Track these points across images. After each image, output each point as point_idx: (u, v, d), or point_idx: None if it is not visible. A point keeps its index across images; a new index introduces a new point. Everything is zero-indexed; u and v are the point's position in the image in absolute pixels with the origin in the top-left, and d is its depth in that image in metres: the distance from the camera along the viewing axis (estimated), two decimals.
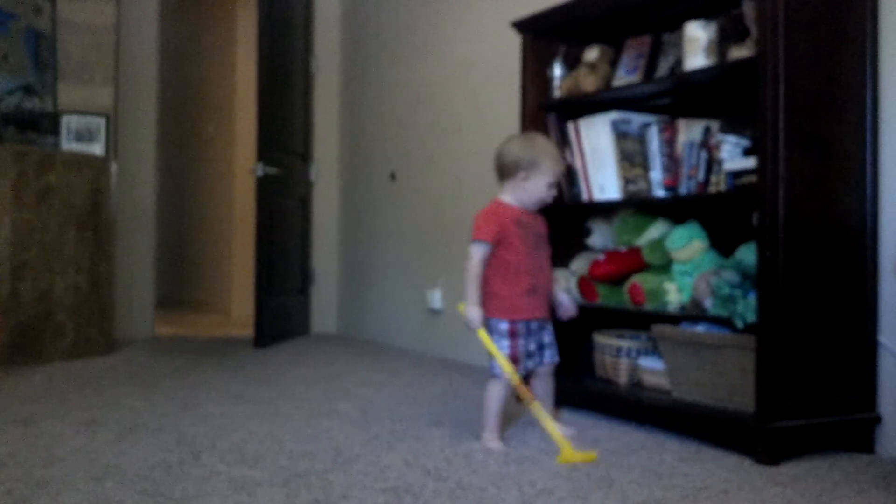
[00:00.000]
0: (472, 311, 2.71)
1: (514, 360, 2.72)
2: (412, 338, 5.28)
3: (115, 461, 2.47)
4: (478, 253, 2.73)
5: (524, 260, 2.74)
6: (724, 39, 2.92)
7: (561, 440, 2.58)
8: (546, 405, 2.82)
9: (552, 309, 2.88)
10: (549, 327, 2.84)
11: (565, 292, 2.97)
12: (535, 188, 2.76)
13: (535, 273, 2.76)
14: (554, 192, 2.81)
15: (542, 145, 2.81)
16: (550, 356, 2.83)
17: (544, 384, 2.85)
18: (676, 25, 3.11)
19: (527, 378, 2.79)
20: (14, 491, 2.17)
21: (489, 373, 2.76)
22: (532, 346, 2.77)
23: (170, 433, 2.85)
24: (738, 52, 2.80)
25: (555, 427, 2.64)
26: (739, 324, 2.67)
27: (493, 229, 2.72)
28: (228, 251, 7.82)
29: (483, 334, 2.72)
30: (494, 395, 2.74)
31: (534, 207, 2.80)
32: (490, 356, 2.73)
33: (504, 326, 2.73)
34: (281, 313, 5.63)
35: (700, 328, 2.88)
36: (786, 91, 2.53)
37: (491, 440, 2.72)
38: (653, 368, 3.10)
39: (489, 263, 2.74)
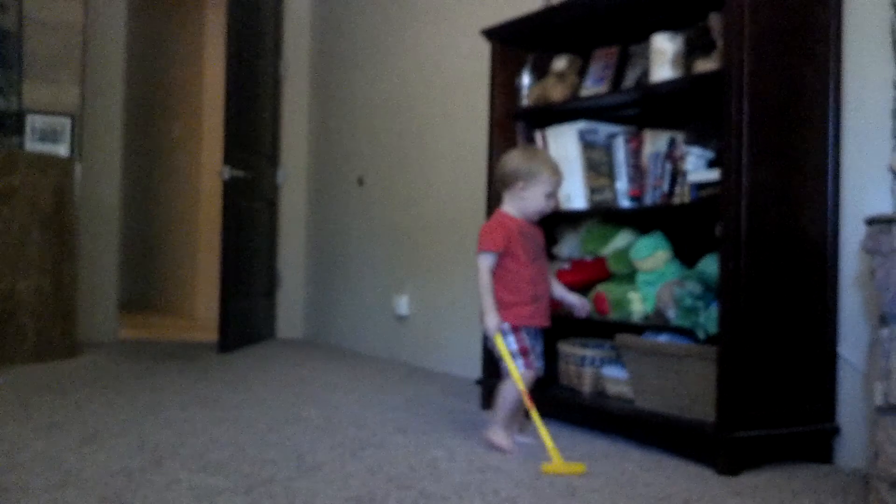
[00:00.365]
0: (489, 319, 2.75)
1: (523, 352, 2.77)
2: (379, 343, 5.28)
3: (77, 467, 2.45)
4: (485, 263, 2.78)
5: (526, 270, 2.79)
6: (691, 52, 2.95)
7: (554, 450, 2.59)
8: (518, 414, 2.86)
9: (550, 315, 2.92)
10: (541, 337, 2.88)
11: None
12: (533, 198, 2.80)
13: (536, 282, 2.81)
14: (552, 203, 2.85)
15: (540, 156, 2.87)
16: (542, 367, 2.88)
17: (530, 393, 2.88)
18: (644, 37, 3.14)
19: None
20: None
21: (505, 373, 2.80)
22: (539, 350, 2.85)
23: (132, 438, 2.83)
24: (705, 65, 2.83)
25: (549, 438, 2.64)
26: (701, 334, 2.70)
27: (500, 240, 2.77)
28: (194, 254, 7.78)
29: (500, 340, 2.76)
30: (510, 393, 2.78)
31: (534, 217, 2.85)
32: (502, 361, 2.78)
33: (507, 324, 2.77)
34: (246, 317, 5.60)
35: (663, 338, 2.91)
36: (750, 104, 2.56)
37: (498, 436, 2.78)
38: (616, 377, 3.12)
39: (493, 273, 2.78)
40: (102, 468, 2.45)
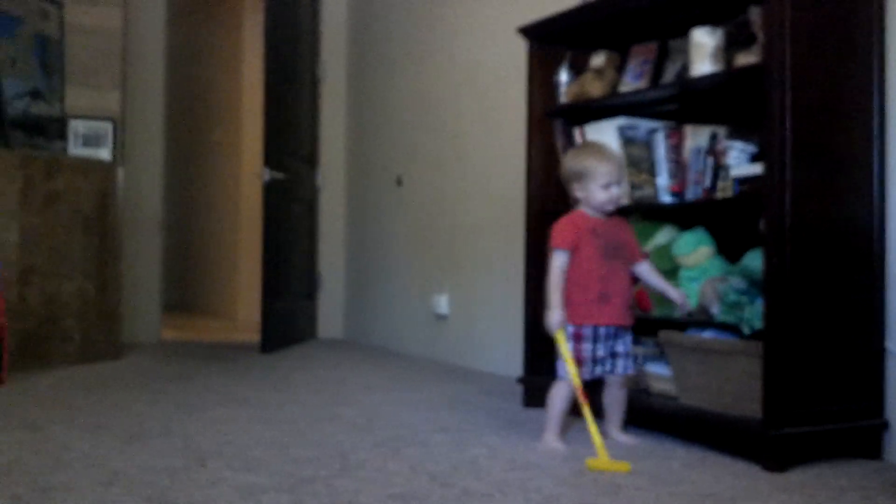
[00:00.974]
0: (552, 314, 2.75)
1: (578, 362, 2.75)
2: (419, 343, 5.28)
3: (122, 466, 2.47)
4: (557, 260, 2.78)
5: (596, 268, 2.77)
6: (731, 46, 2.91)
7: (601, 446, 2.59)
8: (614, 416, 2.87)
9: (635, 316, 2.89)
10: (627, 337, 2.83)
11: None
12: (591, 195, 2.79)
13: (606, 281, 2.77)
14: (615, 192, 2.78)
15: (589, 150, 2.87)
16: (623, 367, 2.83)
17: (612, 394, 2.87)
18: (683, 32, 3.10)
19: (591, 384, 2.81)
20: (20, 497, 2.17)
21: (555, 375, 2.81)
22: (601, 353, 2.79)
23: (176, 438, 2.86)
24: (745, 59, 2.80)
25: (598, 433, 2.63)
26: (746, 330, 2.67)
27: (570, 237, 2.78)
28: (235, 256, 7.84)
29: (560, 336, 2.75)
30: (558, 396, 2.79)
31: (605, 210, 2.81)
32: (559, 358, 2.78)
33: (570, 330, 2.77)
34: (287, 318, 5.64)
35: (707, 334, 2.88)
36: (793, 97, 2.52)
37: (552, 440, 2.78)
38: (660, 374, 3.09)
39: (566, 271, 2.79)
40: (147, 467, 2.47)
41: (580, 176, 2.79)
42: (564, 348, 2.75)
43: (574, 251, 2.77)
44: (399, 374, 4.44)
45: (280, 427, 3.06)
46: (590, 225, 2.80)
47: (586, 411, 2.67)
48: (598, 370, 2.81)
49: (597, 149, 2.88)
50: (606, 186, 2.77)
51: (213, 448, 2.71)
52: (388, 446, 2.77)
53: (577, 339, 2.77)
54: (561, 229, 2.80)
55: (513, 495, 2.22)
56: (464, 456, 2.64)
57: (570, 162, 2.85)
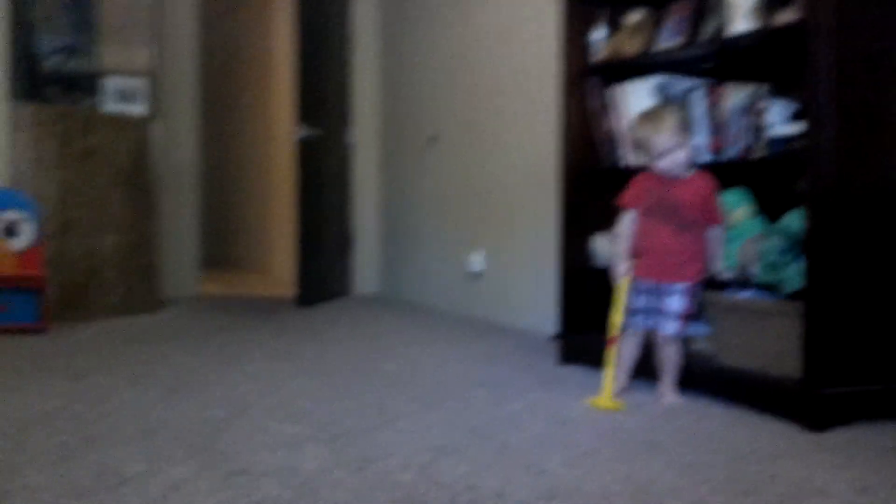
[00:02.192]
0: (616, 264, 2.92)
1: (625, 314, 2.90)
2: (454, 300, 5.30)
3: (164, 416, 2.52)
4: (623, 217, 2.94)
5: (644, 223, 2.89)
6: (769, 3, 2.86)
7: (608, 388, 2.77)
8: (663, 374, 2.90)
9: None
10: (675, 295, 2.85)
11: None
12: (651, 163, 2.86)
13: (652, 236, 2.87)
14: (668, 160, 2.80)
15: (646, 121, 2.89)
16: (662, 327, 2.86)
17: (659, 352, 2.91)
18: None
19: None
20: (66, 444, 2.22)
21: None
22: (640, 305, 2.88)
23: (217, 389, 2.90)
24: (784, 17, 2.75)
25: (611, 378, 2.80)
26: (786, 290, 2.65)
27: (629, 197, 2.93)
28: (269, 212, 7.88)
29: (621, 287, 2.88)
30: (622, 348, 2.91)
31: (671, 174, 2.84)
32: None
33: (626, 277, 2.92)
34: (322, 274, 5.67)
35: (746, 294, 2.87)
36: (835, 55, 2.48)
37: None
38: (698, 334, 3.09)
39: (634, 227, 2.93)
40: (189, 417, 2.51)
41: (640, 144, 2.90)
42: (619, 299, 2.86)
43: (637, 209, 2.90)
44: (435, 330, 4.47)
45: (319, 379, 3.10)
46: (648, 185, 2.89)
47: (610, 356, 2.82)
48: (641, 323, 2.88)
49: (654, 118, 2.87)
50: (659, 156, 2.81)
51: (254, 399, 2.75)
52: (426, 400, 2.79)
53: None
54: (627, 190, 2.95)
55: (552, 449, 2.24)
56: (502, 410, 2.66)
57: (634, 129, 2.97)
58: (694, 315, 2.92)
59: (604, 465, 2.12)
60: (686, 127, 2.86)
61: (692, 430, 2.48)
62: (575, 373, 3.30)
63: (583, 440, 2.34)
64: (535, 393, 2.93)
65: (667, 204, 2.84)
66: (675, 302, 2.84)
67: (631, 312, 2.89)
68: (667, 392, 2.87)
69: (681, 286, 2.84)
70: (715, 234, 2.88)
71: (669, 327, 2.84)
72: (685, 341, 3.03)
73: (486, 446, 2.25)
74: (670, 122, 2.81)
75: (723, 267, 2.91)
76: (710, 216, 2.87)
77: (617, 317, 2.85)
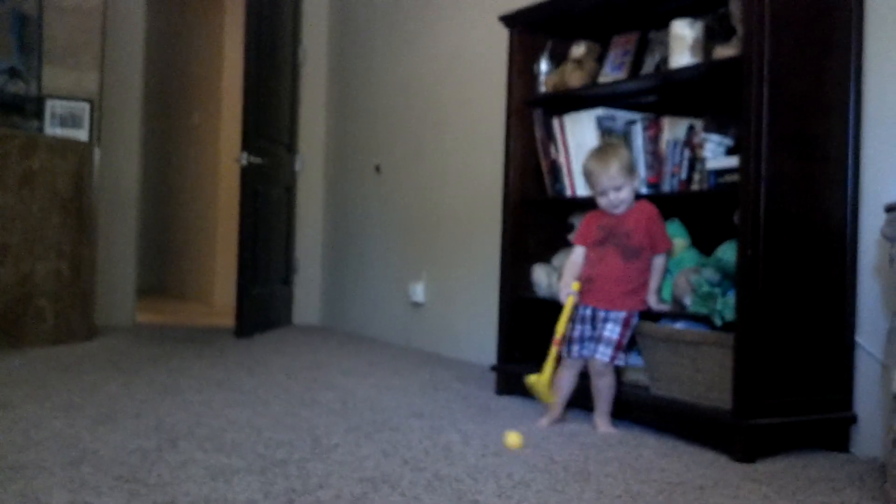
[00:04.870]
0: (566, 284, 3.01)
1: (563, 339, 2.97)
2: (394, 330, 5.28)
3: (93, 446, 2.47)
4: (575, 249, 3.06)
5: (594, 253, 2.98)
6: (711, 38, 2.93)
7: (547, 371, 2.94)
8: (596, 403, 2.92)
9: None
10: (612, 323, 2.89)
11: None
12: (598, 198, 2.96)
13: (601, 264, 2.93)
14: (613, 197, 2.90)
15: (594, 156, 2.97)
16: (600, 353, 2.89)
17: (594, 382, 2.93)
18: (663, 23, 3.12)
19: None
20: None
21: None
22: (576, 334, 2.95)
23: (148, 419, 2.85)
24: (724, 51, 2.81)
25: (552, 368, 2.94)
26: (718, 321, 2.69)
27: (580, 235, 3.05)
28: (212, 240, 7.79)
29: (567, 304, 2.96)
30: (559, 378, 2.98)
31: (613, 212, 2.94)
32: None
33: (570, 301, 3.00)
34: (264, 303, 5.62)
35: (679, 325, 2.90)
36: (770, 90, 2.54)
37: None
38: (632, 364, 3.11)
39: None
40: (118, 447, 2.46)
41: (587, 178, 2.98)
42: (563, 321, 2.94)
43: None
44: (375, 361, 4.44)
45: (254, 409, 3.06)
46: (597, 222, 2.98)
47: (552, 356, 2.92)
48: (577, 352, 2.93)
49: (602, 155, 2.94)
50: (601, 195, 2.91)
51: (186, 429, 2.71)
52: (362, 430, 2.77)
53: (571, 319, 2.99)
54: (577, 229, 3.10)
55: (484, 481, 2.23)
56: (437, 441, 2.65)
57: (583, 162, 3.01)
58: (629, 345, 2.95)
59: (536, 495, 2.11)
60: (632, 168, 2.91)
61: (625, 460, 2.49)
62: (512, 403, 3.30)
63: (516, 471, 2.33)
64: (470, 424, 2.93)
65: (617, 232, 2.91)
66: (612, 330, 2.87)
67: (568, 341, 2.93)
68: (601, 422, 2.88)
69: (619, 315, 2.87)
70: (658, 262, 2.93)
71: (605, 354, 2.86)
72: (620, 372, 3.06)
73: (419, 478, 2.24)
74: (617, 162, 2.87)
75: (660, 299, 2.94)
76: (656, 241, 2.91)
77: (561, 327, 2.93)
